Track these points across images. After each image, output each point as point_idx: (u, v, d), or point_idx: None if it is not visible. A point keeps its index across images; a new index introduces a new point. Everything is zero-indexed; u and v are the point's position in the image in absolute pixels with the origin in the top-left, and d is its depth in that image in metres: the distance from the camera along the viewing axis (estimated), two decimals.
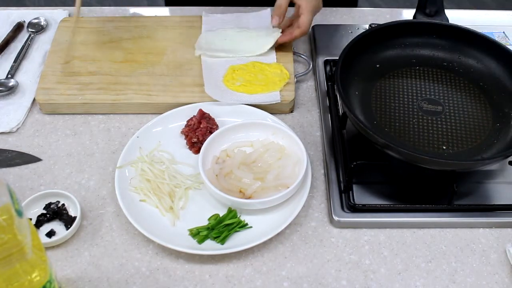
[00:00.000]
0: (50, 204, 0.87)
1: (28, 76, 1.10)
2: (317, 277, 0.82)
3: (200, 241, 0.84)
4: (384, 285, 0.82)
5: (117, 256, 0.84)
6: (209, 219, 0.87)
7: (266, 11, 1.21)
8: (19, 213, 0.62)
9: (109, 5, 1.33)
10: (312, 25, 1.22)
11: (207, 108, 1.00)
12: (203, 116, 0.98)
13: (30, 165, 0.96)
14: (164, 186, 0.90)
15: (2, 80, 1.09)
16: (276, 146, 0.94)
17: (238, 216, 0.87)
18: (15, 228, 0.61)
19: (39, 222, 0.86)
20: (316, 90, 1.10)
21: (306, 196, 0.88)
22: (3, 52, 1.15)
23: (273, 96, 1.03)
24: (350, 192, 0.90)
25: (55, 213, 0.86)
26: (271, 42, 1.11)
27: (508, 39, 1.19)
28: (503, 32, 1.21)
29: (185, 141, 0.98)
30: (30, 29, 1.20)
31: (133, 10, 1.30)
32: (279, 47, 1.12)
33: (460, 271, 0.84)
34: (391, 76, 1.03)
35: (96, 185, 0.93)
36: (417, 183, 0.93)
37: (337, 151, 0.96)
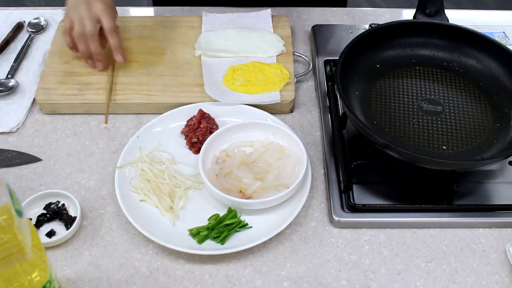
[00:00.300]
0: (50, 204, 0.87)
1: (28, 76, 1.10)
2: (317, 277, 0.82)
3: (200, 241, 0.84)
4: (384, 285, 0.82)
5: (117, 256, 0.84)
6: (209, 219, 0.87)
7: (266, 11, 1.21)
8: (19, 213, 0.62)
9: None
10: (312, 25, 1.22)
11: (207, 108, 1.00)
12: (203, 116, 0.98)
13: (30, 165, 0.96)
14: (164, 186, 0.90)
15: (2, 80, 1.09)
16: (276, 146, 0.94)
17: (238, 216, 0.87)
18: (15, 228, 0.61)
19: (39, 222, 0.86)
20: (316, 90, 1.10)
21: (306, 196, 0.88)
22: (3, 52, 1.15)
23: (273, 96, 1.03)
24: (350, 192, 0.90)
25: (55, 213, 0.86)
26: (274, 52, 1.11)
27: (508, 39, 1.19)
28: (503, 32, 1.21)
29: (185, 141, 0.98)
30: (30, 29, 1.20)
31: (133, 10, 1.30)
32: None
33: (460, 271, 0.84)
34: (391, 76, 1.03)
35: (96, 185, 0.93)
36: (417, 183, 0.93)
37: (337, 151, 0.96)
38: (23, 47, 1.15)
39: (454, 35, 1.05)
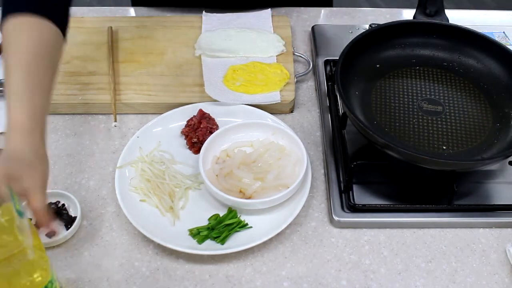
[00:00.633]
0: (50, 204, 0.87)
1: None
2: (317, 277, 0.82)
3: (200, 241, 0.84)
4: (384, 285, 0.82)
5: (117, 256, 0.84)
6: (209, 219, 0.87)
7: (266, 11, 1.21)
8: (20, 214, 0.62)
9: (109, 5, 1.33)
10: (312, 25, 1.22)
11: (207, 108, 1.00)
12: (203, 116, 0.98)
13: None
14: (164, 186, 0.90)
15: (2, 80, 1.08)
16: (276, 146, 0.94)
17: (238, 216, 0.87)
18: (16, 228, 0.61)
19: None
20: (316, 90, 1.10)
21: (306, 196, 0.88)
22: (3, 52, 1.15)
23: (273, 96, 1.03)
24: (350, 192, 0.90)
25: (55, 213, 0.86)
26: (274, 52, 1.12)
27: (508, 39, 1.19)
28: (503, 32, 1.21)
29: (185, 141, 0.98)
30: None
31: (133, 10, 1.30)
32: None
33: (460, 271, 0.84)
34: (391, 76, 1.03)
35: (96, 185, 0.93)
36: (417, 183, 0.93)
37: (337, 151, 0.96)
38: None
39: (454, 35, 1.05)
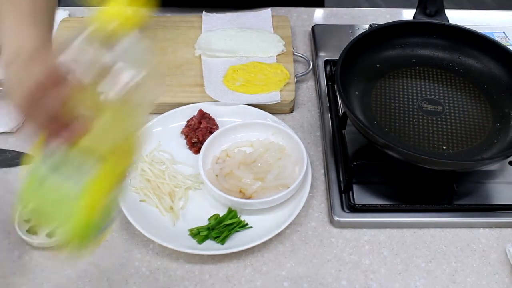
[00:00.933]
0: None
1: None
2: (317, 277, 0.82)
3: (200, 241, 0.84)
4: (384, 285, 0.82)
5: (117, 256, 0.84)
6: (209, 219, 0.87)
7: (266, 11, 1.21)
8: None
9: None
10: (312, 25, 1.22)
11: (207, 108, 1.00)
12: (203, 116, 0.98)
13: None
14: (164, 186, 0.90)
15: (3, 80, 1.08)
16: (276, 146, 0.94)
17: (238, 216, 0.87)
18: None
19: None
20: (316, 90, 1.10)
21: (306, 196, 0.88)
22: None
23: (273, 96, 1.03)
24: (350, 192, 0.90)
25: None
26: (274, 52, 1.11)
27: (508, 39, 1.19)
28: (503, 32, 1.21)
29: (185, 141, 0.98)
30: None
31: None
32: None
33: (460, 271, 0.84)
34: (391, 76, 1.03)
35: None
36: (417, 183, 0.93)
37: (337, 151, 0.96)
38: None
39: (454, 35, 1.05)
